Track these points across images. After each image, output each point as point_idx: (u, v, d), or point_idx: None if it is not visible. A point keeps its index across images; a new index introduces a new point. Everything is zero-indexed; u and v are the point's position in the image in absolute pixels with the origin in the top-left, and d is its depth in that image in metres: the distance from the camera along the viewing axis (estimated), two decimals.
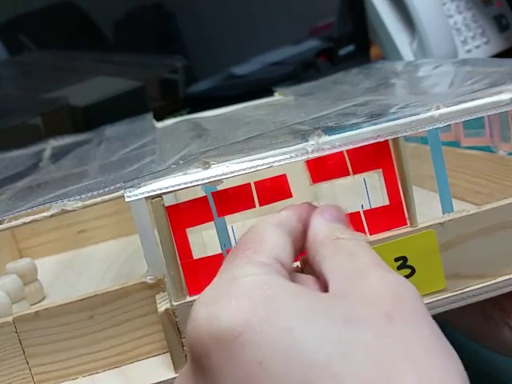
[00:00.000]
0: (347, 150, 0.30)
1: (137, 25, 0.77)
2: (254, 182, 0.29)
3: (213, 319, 0.20)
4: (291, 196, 0.30)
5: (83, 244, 0.54)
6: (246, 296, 0.20)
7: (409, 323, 0.20)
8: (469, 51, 0.83)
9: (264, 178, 0.29)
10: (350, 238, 0.25)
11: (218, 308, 0.20)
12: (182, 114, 0.67)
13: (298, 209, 0.27)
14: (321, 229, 0.26)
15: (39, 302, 0.43)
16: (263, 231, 0.25)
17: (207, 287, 0.22)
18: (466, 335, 0.37)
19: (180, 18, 0.77)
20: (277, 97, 0.58)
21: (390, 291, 0.21)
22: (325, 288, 0.23)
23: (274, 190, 0.29)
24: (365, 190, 0.31)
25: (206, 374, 0.20)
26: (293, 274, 0.24)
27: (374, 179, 0.31)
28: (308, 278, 0.25)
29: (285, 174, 0.29)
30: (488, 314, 0.36)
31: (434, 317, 0.22)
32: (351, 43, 0.81)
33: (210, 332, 0.20)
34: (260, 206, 0.29)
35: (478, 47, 0.84)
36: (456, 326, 0.37)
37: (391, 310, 0.20)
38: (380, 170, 0.30)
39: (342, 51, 0.81)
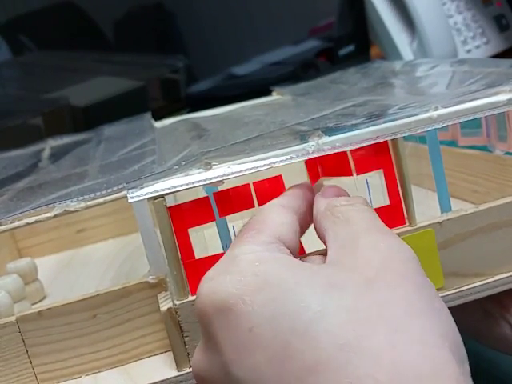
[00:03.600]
0: (348, 150, 0.30)
1: (137, 25, 0.77)
2: (253, 183, 0.29)
3: (212, 293, 0.23)
4: None
5: (82, 243, 0.54)
6: (238, 272, 0.23)
7: (391, 286, 0.21)
8: (469, 51, 0.84)
9: (262, 178, 0.30)
10: (345, 204, 0.26)
11: (216, 283, 0.23)
12: (182, 114, 0.67)
13: (301, 188, 0.28)
14: (322, 204, 0.27)
15: (40, 301, 0.44)
16: (268, 212, 0.26)
17: (214, 264, 0.25)
18: (466, 333, 0.37)
19: (180, 18, 0.77)
20: (274, 96, 0.59)
21: (377, 257, 0.22)
22: None
23: (272, 190, 0.30)
24: (367, 191, 0.31)
25: (211, 339, 0.23)
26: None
27: (373, 179, 0.31)
28: (317, 257, 0.26)
29: (280, 175, 0.30)
30: (488, 310, 0.36)
31: None
32: (351, 43, 0.81)
33: (210, 304, 0.22)
34: (259, 205, 0.30)
35: (478, 47, 0.84)
36: (456, 323, 0.37)
37: (373, 275, 0.21)
38: (381, 171, 0.31)
39: (342, 51, 0.81)
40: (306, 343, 0.20)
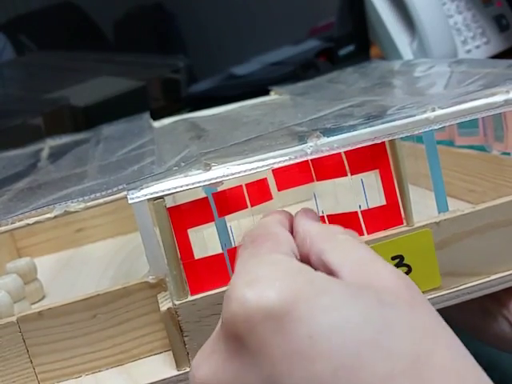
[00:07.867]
0: (345, 151, 0.30)
1: (137, 25, 0.77)
2: (245, 184, 0.30)
3: (261, 297, 0.21)
4: (271, 198, 0.31)
5: (81, 242, 0.54)
6: (289, 278, 0.22)
7: (423, 309, 0.22)
8: (469, 51, 0.83)
9: (260, 178, 0.30)
10: (346, 233, 0.26)
11: (264, 288, 0.21)
12: (182, 114, 0.67)
13: (282, 212, 0.29)
14: (312, 226, 0.27)
15: (39, 300, 0.44)
16: (273, 226, 0.27)
17: (239, 270, 0.23)
18: (464, 330, 0.38)
19: (180, 18, 0.77)
20: (272, 96, 0.59)
21: (402, 282, 0.23)
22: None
23: (260, 191, 0.30)
24: (362, 191, 0.31)
25: (245, 351, 0.21)
26: None
27: (371, 179, 0.32)
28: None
29: (266, 178, 0.30)
30: (486, 307, 0.36)
31: None
32: (351, 43, 0.81)
33: (258, 309, 0.21)
34: (251, 206, 0.30)
35: (478, 47, 0.84)
36: (455, 320, 0.38)
37: (410, 299, 0.22)
38: (377, 171, 0.31)
39: (342, 51, 0.81)
40: (377, 353, 0.20)
